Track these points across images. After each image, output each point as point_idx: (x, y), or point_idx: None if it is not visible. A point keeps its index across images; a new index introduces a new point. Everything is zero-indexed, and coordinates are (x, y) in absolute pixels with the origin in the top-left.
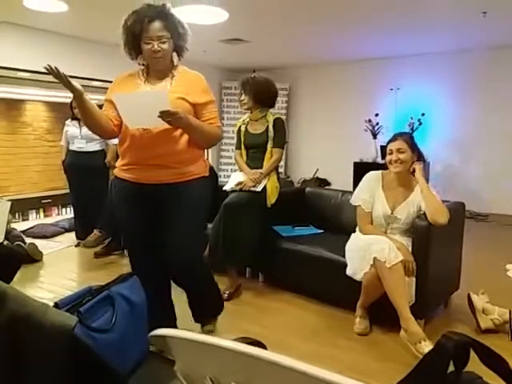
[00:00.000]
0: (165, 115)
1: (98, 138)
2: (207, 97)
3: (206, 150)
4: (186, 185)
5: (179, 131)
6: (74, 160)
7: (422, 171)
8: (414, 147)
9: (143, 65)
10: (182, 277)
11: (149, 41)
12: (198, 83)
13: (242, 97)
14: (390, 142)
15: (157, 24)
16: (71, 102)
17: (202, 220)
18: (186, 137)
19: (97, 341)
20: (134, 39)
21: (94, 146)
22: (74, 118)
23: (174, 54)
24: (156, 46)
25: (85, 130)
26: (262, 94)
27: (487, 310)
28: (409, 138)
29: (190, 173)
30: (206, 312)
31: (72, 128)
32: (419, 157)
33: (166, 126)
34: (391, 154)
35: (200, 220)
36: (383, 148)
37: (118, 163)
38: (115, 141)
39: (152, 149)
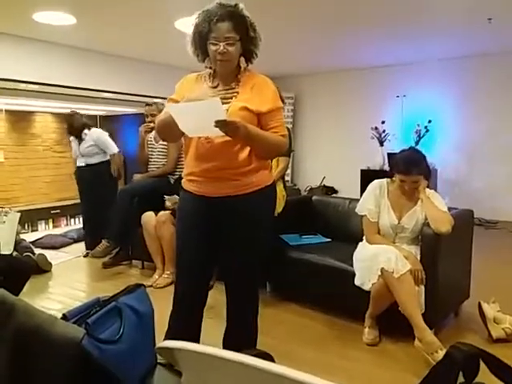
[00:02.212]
0: (221, 125)
1: (99, 151)
2: (273, 104)
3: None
4: (247, 196)
5: (240, 145)
6: (80, 174)
7: (424, 187)
8: (427, 173)
9: (210, 68)
10: (235, 293)
11: (215, 41)
12: (264, 90)
13: None
14: (403, 172)
15: (225, 24)
16: (70, 116)
17: (265, 234)
18: (246, 150)
19: (104, 352)
20: (201, 39)
21: (98, 159)
22: (72, 134)
23: (242, 59)
24: (222, 48)
25: (83, 147)
26: None
27: (498, 318)
28: (424, 168)
29: (251, 184)
30: (239, 337)
31: (74, 145)
32: (429, 177)
33: (225, 135)
34: (404, 182)
35: (262, 234)
36: (390, 155)
37: (183, 173)
38: (116, 149)
39: (212, 161)
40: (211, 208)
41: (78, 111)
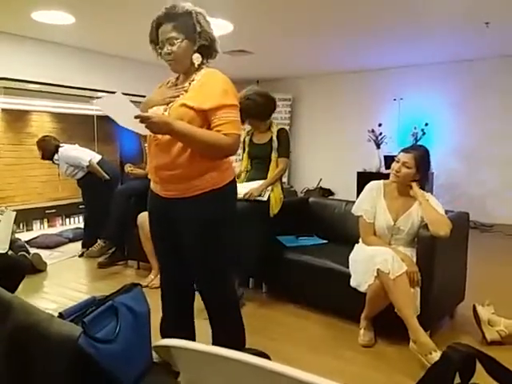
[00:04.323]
0: (140, 120)
1: (76, 170)
2: (215, 101)
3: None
4: (194, 199)
5: (182, 144)
6: (78, 185)
7: (418, 187)
8: (421, 167)
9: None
10: (203, 296)
11: (161, 45)
12: (210, 87)
13: (245, 125)
14: (403, 150)
15: (165, 26)
16: (42, 141)
17: (216, 237)
18: (188, 150)
19: (101, 351)
20: (155, 46)
21: (81, 174)
22: (46, 159)
23: (196, 57)
24: (165, 49)
25: (62, 171)
26: (259, 116)
27: (493, 321)
28: (420, 157)
29: (195, 187)
30: (224, 338)
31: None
32: (422, 177)
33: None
34: (398, 162)
35: (213, 237)
36: (387, 158)
37: None
38: (87, 159)
39: (157, 159)
40: (163, 207)
41: (48, 134)
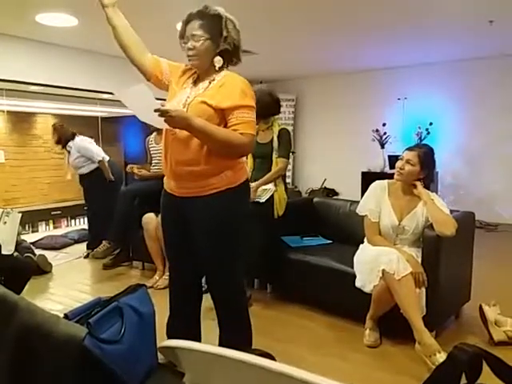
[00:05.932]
0: (159, 114)
1: (86, 160)
2: (233, 101)
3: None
4: (205, 199)
5: (199, 141)
6: (80, 182)
7: (422, 186)
8: (425, 165)
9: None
10: (215, 297)
11: (185, 40)
12: (230, 87)
13: None
14: (407, 148)
15: (193, 23)
16: (61, 128)
17: (231, 237)
18: (205, 147)
19: (106, 352)
20: (182, 41)
21: (88, 169)
22: (60, 144)
23: (218, 59)
24: (188, 44)
25: (71, 159)
26: (258, 111)
27: (499, 321)
28: (424, 155)
29: (211, 185)
30: (232, 338)
31: (66, 156)
32: (427, 176)
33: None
34: (401, 160)
35: (227, 237)
36: (391, 158)
37: None
38: (100, 155)
39: (173, 154)
40: (177, 206)
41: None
